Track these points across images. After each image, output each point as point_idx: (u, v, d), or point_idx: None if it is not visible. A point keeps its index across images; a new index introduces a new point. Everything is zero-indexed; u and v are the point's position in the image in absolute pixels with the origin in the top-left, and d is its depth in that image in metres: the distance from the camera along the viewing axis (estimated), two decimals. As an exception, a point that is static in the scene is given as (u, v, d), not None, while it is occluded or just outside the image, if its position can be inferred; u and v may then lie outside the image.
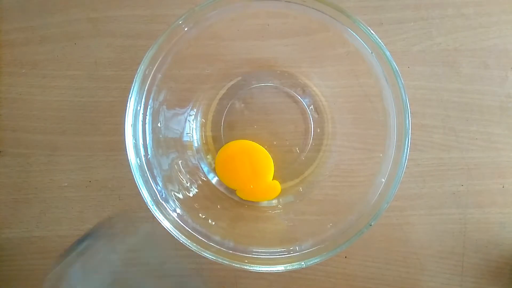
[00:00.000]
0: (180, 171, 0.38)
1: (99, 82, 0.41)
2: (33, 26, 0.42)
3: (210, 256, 0.31)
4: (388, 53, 0.32)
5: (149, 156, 0.34)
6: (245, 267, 0.31)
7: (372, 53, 0.32)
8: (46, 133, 0.41)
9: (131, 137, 0.32)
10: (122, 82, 0.41)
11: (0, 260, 0.40)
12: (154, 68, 0.33)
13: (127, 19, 0.42)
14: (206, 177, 0.40)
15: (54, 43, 0.42)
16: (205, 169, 0.40)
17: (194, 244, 0.30)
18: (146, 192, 0.32)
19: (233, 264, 0.31)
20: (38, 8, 0.42)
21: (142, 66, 0.33)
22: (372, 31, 0.32)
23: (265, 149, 0.39)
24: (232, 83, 0.40)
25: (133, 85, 0.32)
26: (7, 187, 0.40)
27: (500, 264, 0.40)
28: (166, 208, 0.33)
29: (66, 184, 0.40)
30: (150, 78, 0.33)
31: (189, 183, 0.38)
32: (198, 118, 0.40)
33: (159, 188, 0.33)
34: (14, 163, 0.41)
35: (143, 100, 0.33)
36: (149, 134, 0.34)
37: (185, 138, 0.39)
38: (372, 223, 0.31)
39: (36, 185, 0.40)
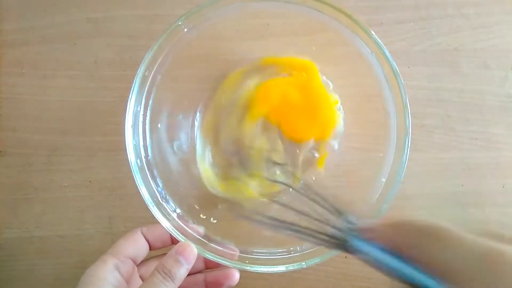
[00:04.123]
0: (180, 171, 0.38)
1: (99, 82, 0.41)
2: (33, 26, 0.42)
3: (211, 257, 0.31)
4: (388, 53, 0.32)
5: (149, 156, 0.34)
6: (246, 267, 0.31)
7: (372, 53, 0.32)
8: (46, 133, 0.41)
9: (131, 138, 0.32)
10: (122, 82, 0.41)
11: (0, 260, 0.40)
12: (154, 69, 0.33)
13: (127, 19, 0.41)
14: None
15: (54, 43, 0.41)
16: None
17: (195, 245, 0.30)
18: (146, 192, 0.32)
19: (234, 265, 0.31)
20: (38, 8, 0.42)
21: (142, 67, 0.33)
22: (372, 31, 0.32)
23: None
24: (232, 83, 0.40)
25: (133, 86, 0.32)
26: (7, 187, 0.40)
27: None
28: (166, 208, 0.33)
29: (66, 184, 0.40)
30: (150, 78, 0.33)
31: (189, 183, 0.38)
32: (198, 118, 0.40)
33: (159, 188, 0.33)
34: (14, 163, 0.41)
35: (143, 100, 0.33)
36: (149, 134, 0.34)
37: (186, 138, 0.39)
38: (373, 223, 0.31)
39: (36, 185, 0.40)
